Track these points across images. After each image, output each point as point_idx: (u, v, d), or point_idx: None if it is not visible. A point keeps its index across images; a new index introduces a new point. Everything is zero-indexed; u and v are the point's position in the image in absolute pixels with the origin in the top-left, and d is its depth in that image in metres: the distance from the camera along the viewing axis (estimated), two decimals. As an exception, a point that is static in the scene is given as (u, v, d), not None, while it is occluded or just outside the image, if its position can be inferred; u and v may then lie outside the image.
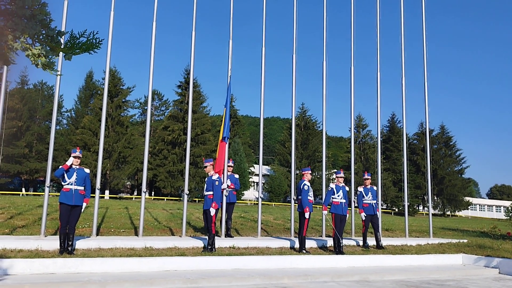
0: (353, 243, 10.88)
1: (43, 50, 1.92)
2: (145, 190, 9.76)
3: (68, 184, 7.69)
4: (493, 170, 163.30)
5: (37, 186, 44.97)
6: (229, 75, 10.90)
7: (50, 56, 1.96)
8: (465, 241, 12.23)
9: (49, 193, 8.84)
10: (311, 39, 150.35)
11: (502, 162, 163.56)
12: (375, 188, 11.14)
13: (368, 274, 7.92)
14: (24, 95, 43.69)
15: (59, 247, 7.52)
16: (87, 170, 8.06)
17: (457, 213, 57.71)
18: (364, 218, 10.52)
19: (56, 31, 1.98)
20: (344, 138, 73.39)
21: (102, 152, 9.63)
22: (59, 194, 8.50)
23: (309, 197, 9.46)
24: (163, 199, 41.39)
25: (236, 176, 11.37)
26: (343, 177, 10.03)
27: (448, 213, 56.06)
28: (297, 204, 9.92)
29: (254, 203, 43.41)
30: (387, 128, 57.39)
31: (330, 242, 10.17)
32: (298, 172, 34.25)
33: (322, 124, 12.71)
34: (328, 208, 9.96)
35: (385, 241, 11.04)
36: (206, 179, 9.18)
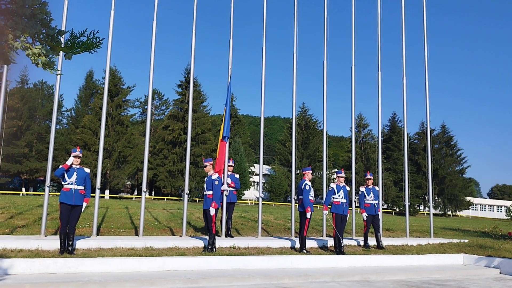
0: (353, 243, 10.88)
1: (44, 49, 1.91)
2: (145, 190, 9.75)
3: (68, 183, 7.68)
4: (494, 170, 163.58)
5: (37, 186, 44.98)
6: (229, 75, 10.89)
7: (50, 56, 1.94)
8: (466, 241, 12.23)
9: (49, 193, 8.84)
10: (311, 39, 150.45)
11: (503, 162, 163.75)
12: (377, 188, 11.13)
13: (369, 274, 7.91)
14: (24, 95, 43.69)
15: (59, 247, 7.51)
16: (87, 170, 8.05)
17: (458, 213, 57.72)
18: (365, 218, 10.50)
19: (57, 30, 1.97)
20: (344, 137, 73.54)
21: (102, 151, 9.62)
22: (59, 193, 8.49)
23: (310, 197, 9.45)
24: (163, 198, 41.38)
25: (237, 175, 11.37)
26: (344, 177, 10.01)
27: (449, 213, 56.06)
28: (297, 204, 9.91)
29: (255, 203, 43.42)
30: (388, 128, 57.40)
31: (330, 242, 10.16)
32: (298, 171, 34.27)
33: (323, 123, 12.72)
34: (329, 208, 9.95)
35: (385, 241, 11.03)
36: (205, 178, 9.17)
